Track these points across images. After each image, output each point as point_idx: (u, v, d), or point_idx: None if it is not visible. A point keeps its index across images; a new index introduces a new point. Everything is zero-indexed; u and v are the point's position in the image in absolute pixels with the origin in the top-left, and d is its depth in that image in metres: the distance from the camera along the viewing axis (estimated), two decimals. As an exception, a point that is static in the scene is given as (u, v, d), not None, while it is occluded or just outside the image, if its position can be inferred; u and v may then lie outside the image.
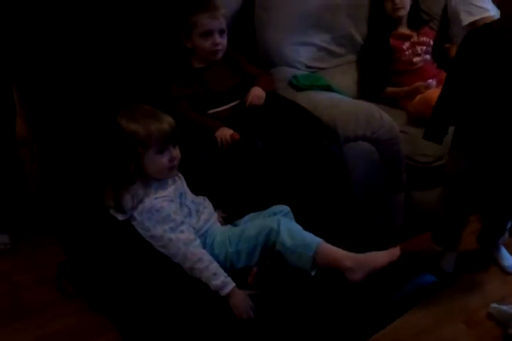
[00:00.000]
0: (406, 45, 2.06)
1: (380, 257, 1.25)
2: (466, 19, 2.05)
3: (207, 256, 1.25)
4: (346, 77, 2.12)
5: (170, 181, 1.32)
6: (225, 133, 1.57)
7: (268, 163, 1.55)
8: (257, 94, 1.67)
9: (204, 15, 1.62)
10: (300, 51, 2.04)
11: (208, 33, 1.63)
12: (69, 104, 1.58)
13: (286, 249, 1.24)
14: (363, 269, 1.22)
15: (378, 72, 2.06)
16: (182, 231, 1.25)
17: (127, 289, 1.27)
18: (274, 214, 1.37)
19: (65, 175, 1.49)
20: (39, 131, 1.68)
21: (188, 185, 1.39)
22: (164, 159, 1.28)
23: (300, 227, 1.30)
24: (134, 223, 1.29)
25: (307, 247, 1.23)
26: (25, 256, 1.98)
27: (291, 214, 1.38)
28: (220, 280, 1.23)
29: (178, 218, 1.26)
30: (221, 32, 1.65)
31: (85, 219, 1.37)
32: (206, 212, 1.37)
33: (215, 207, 1.42)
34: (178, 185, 1.34)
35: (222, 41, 1.65)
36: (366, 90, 2.10)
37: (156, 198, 1.26)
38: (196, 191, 1.40)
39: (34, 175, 1.87)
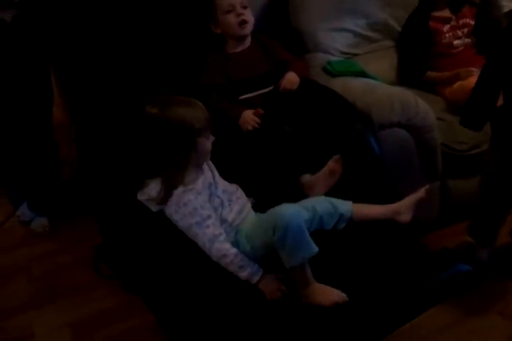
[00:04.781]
0: (446, 27, 2.01)
1: (416, 194, 1.38)
2: (508, 5, 2.00)
3: (231, 250, 1.24)
4: (383, 62, 2.08)
5: (199, 172, 1.33)
6: (247, 118, 1.58)
7: (297, 148, 1.54)
8: (291, 79, 1.65)
9: None
10: (335, 37, 2.02)
11: (230, 8, 1.65)
12: (106, 88, 1.61)
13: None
14: (408, 207, 1.35)
15: (418, 56, 2.02)
16: (208, 226, 1.25)
17: (162, 271, 1.29)
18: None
19: (103, 158, 1.51)
20: (77, 115, 1.71)
21: (219, 173, 1.39)
22: (209, 143, 1.31)
23: None
24: (166, 214, 1.30)
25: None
26: (64, 239, 2.03)
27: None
28: (247, 271, 1.24)
29: (204, 212, 1.26)
30: (243, 6, 1.66)
31: (122, 203, 1.39)
32: (239, 202, 1.36)
33: (248, 196, 1.42)
34: (207, 175, 1.34)
35: (245, 13, 1.66)
36: (406, 74, 2.06)
37: (184, 191, 1.26)
38: (227, 178, 1.41)
39: (71, 158, 1.91)
